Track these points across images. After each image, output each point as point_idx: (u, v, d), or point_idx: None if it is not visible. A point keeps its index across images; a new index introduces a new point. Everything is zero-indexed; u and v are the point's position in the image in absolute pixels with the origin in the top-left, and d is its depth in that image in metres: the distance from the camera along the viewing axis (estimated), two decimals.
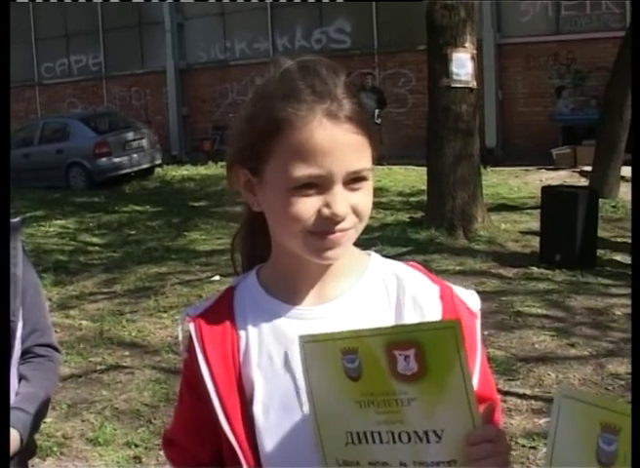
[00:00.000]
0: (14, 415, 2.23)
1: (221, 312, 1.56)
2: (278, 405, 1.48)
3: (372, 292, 1.53)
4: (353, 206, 1.43)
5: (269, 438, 1.48)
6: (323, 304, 1.52)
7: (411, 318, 1.48)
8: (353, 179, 1.42)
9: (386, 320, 1.48)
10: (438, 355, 1.28)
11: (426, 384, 1.30)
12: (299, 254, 1.49)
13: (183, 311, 1.62)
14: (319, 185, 1.40)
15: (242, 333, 1.53)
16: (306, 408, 1.43)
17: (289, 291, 1.54)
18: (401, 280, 1.53)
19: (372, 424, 1.35)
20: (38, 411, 2.31)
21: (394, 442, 1.34)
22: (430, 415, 1.31)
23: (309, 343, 1.37)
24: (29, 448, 2.37)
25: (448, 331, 1.27)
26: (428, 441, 1.31)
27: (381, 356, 1.31)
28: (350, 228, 1.44)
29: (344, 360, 1.34)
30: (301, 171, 1.39)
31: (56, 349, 2.47)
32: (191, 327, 1.55)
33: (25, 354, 2.36)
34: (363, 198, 1.44)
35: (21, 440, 2.23)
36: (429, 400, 1.30)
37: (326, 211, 1.40)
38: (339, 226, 1.42)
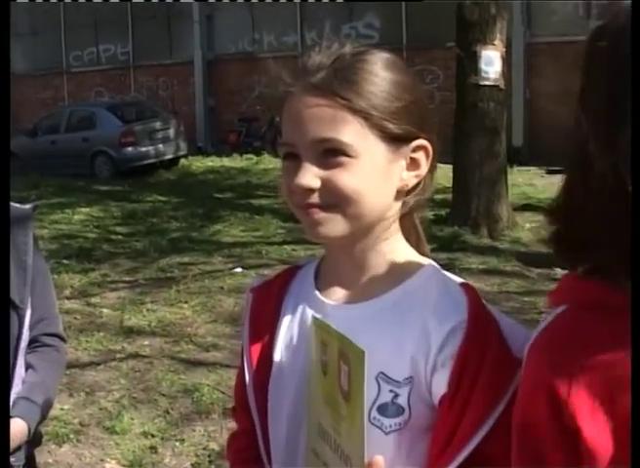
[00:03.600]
0: (21, 405, 2.21)
1: (275, 289, 1.59)
2: (285, 391, 1.49)
3: (401, 304, 1.42)
4: (325, 182, 1.36)
5: (275, 421, 1.51)
6: (349, 304, 1.47)
7: (418, 341, 1.36)
8: (327, 153, 1.36)
9: (402, 335, 1.39)
10: (355, 381, 1.20)
11: (349, 407, 1.23)
12: (333, 247, 1.48)
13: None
14: (297, 158, 1.39)
15: (282, 314, 1.56)
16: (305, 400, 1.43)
17: (326, 283, 1.53)
18: (431, 297, 1.40)
19: (329, 425, 1.31)
20: (45, 402, 2.28)
21: (335, 452, 1.29)
22: (349, 441, 1.24)
23: (315, 327, 1.36)
24: (35, 438, 2.35)
25: (358, 359, 1.18)
26: (347, 466, 1.25)
27: (335, 361, 1.26)
28: (323, 206, 1.37)
29: (322, 352, 1.31)
30: (282, 140, 1.43)
31: (62, 339, 2.44)
32: (249, 297, 1.63)
33: (33, 343, 2.33)
34: (341, 176, 1.35)
35: (29, 430, 2.21)
36: (350, 425, 1.24)
37: (293, 182, 1.38)
38: (308, 200, 1.37)
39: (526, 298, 7.87)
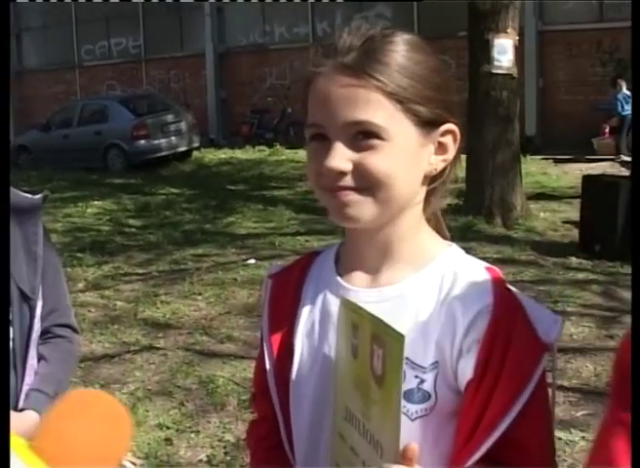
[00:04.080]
0: (33, 397, 2.19)
1: (294, 275, 1.58)
2: (307, 380, 1.48)
3: (425, 289, 1.41)
4: (357, 165, 1.34)
5: (297, 410, 1.49)
6: (373, 288, 1.45)
7: (443, 324, 1.36)
8: (360, 136, 1.33)
9: (426, 320, 1.38)
10: (391, 365, 1.18)
11: (383, 392, 1.20)
12: (356, 232, 1.45)
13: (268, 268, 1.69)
14: (326, 139, 1.36)
15: (302, 300, 1.54)
16: (329, 384, 1.41)
17: (348, 268, 1.51)
18: (455, 281, 1.40)
19: (357, 409, 1.29)
20: (57, 393, 2.26)
21: (364, 436, 1.27)
22: (381, 426, 1.22)
23: (345, 308, 1.34)
24: None
25: (396, 344, 1.16)
26: (377, 451, 1.23)
27: (367, 344, 1.24)
28: (355, 188, 1.35)
29: (352, 334, 1.29)
30: (308, 120, 1.39)
31: (74, 330, 2.41)
32: (267, 283, 1.62)
33: (44, 334, 2.30)
34: (373, 159, 1.33)
35: None
36: (382, 410, 1.21)
37: (323, 165, 1.35)
38: (339, 183, 1.35)
39: (541, 287, 7.83)
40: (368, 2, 21.43)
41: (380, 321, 1.21)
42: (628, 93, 16.57)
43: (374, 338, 1.22)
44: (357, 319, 1.28)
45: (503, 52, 10.80)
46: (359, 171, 1.34)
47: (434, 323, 1.37)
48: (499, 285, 1.38)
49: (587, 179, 9.66)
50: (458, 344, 1.34)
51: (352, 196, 1.35)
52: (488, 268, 1.44)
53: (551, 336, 1.35)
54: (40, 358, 2.28)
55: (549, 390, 1.41)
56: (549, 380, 1.40)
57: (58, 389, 2.27)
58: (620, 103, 16.64)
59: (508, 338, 1.32)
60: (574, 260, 8.85)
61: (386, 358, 1.18)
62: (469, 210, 10.97)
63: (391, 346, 1.17)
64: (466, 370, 1.33)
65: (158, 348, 6.81)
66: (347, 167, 1.34)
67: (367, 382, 1.24)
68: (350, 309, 1.31)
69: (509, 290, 1.39)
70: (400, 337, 1.15)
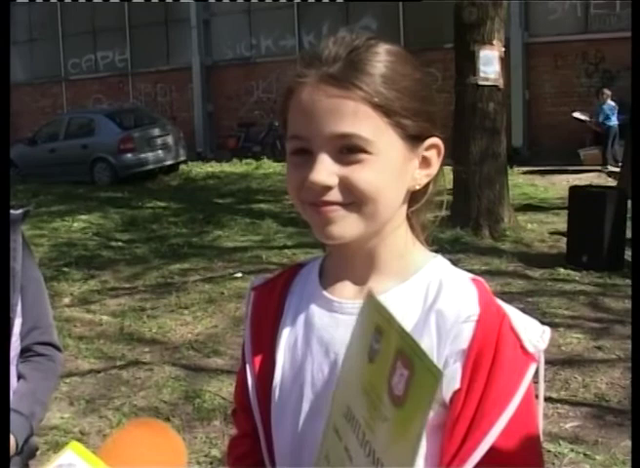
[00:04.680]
0: None
1: (277, 288, 1.54)
2: (289, 392, 1.45)
3: (409, 299, 1.38)
4: (343, 179, 1.29)
5: (279, 428, 1.46)
6: (357, 300, 1.40)
7: (428, 334, 1.33)
8: (345, 149, 1.29)
9: (411, 330, 1.32)
10: (417, 394, 1.11)
11: (400, 415, 1.14)
12: (342, 245, 1.41)
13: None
14: (308, 152, 1.31)
15: (285, 312, 1.51)
16: (312, 398, 1.40)
17: (332, 280, 1.47)
18: (440, 290, 1.37)
19: (360, 414, 1.23)
20: (34, 413, 2.22)
21: (361, 446, 1.21)
22: (387, 448, 1.15)
23: (368, 306, 1.26)
24: (29, 450, 2.29)
25: (430, 376, 1.09)
26: (374, 466, 1.17)
27: (390, 357, 1.17)
28: (340, 203, 1.31)
29: (373, 337, 1.22)
30: (290, 133, 1.35)
31: (57, 348, 2.37)
32: (250, 296, 1.58)
33: (26, 352, 2.27)
34: (360, 173, 1.29)
35: (17, 443, 2.14)
36: (395, 432, 1.14)
37: (307, 179, 1.31)
38: (323, 198, 1.30)
39: (529, 299, 7.82)
40: (354, 14, 21.45)
41: (416, 343, 1.13)
42: (613, 103, 16.64)
43: (400, 355, 1.15)
44: (384, 324, 1.21)
45: (489, 63, 10.82)
46: (345, 185, 1.30)
47: (419, 333, 1.34)
48: (484, 295, 1.36)
49: (574, 190, 9.67)
50: (443, 355, 1.32)
51: (337, 212, 1.31)
52: (473, 279, 1.41)
53: (538, 347, 1.33)
54: (20, 377, 2.24)
55: (536, 401, 1.39)
56: (537, 392, 1.38)
57: (35, 409, 2.23)
58: (605, 114, 16.70)
59: (495, 349, 1.30)
60: (562, 271, 8.84)
61: (413, 385, 1.12)
62: (456, 221, 10.95)
63: (424, 378, 1.10)
64: (452, 380, 1.30)
65: (144, 363, 6.76)
66: (333, 181, 1.30)
67: (379, 394, 1.18)
68: (376, 310, 1.23)
69: (495, 300, 1.37)
70: (438, 374, 1.08)
